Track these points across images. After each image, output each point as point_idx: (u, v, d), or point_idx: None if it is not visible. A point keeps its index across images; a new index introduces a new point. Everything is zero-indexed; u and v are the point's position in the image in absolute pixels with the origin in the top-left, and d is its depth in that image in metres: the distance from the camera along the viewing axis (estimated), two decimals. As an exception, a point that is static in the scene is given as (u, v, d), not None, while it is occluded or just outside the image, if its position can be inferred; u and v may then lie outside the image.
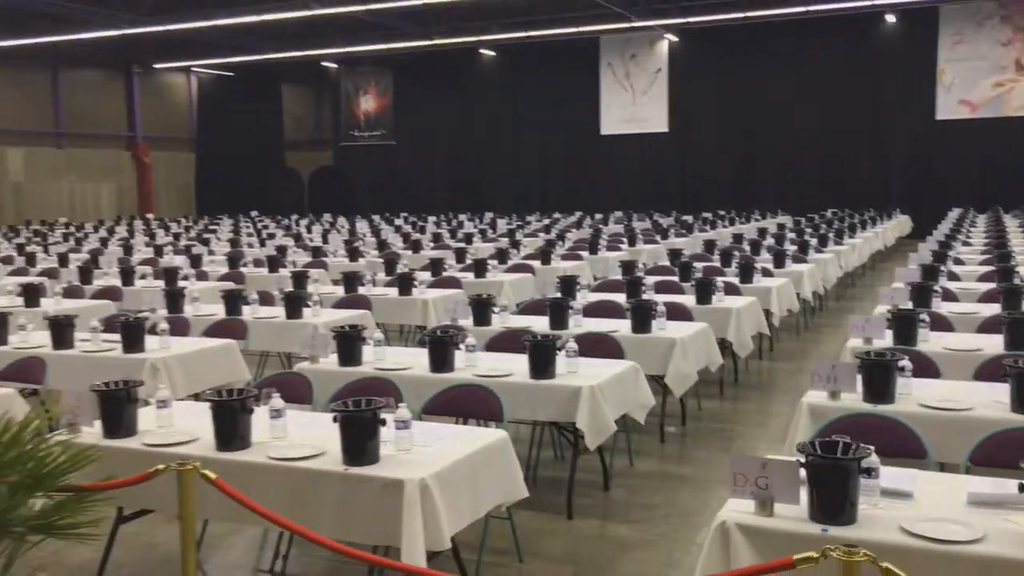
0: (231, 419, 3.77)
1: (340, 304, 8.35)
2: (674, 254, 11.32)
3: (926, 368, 4.88)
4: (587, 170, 27.19)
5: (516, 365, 5.20)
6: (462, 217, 22.73)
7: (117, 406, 3.99)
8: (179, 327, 6.90)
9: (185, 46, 25.83)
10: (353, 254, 13.01)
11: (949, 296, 7.39)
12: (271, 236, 17.96)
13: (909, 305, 6.70)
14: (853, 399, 4.27)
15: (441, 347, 5.22)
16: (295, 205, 30.32)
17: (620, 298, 7.70)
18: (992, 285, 7.94)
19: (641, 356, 5.82)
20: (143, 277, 10.66)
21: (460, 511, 3.62)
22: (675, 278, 9.21)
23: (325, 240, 16.45)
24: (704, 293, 7.80)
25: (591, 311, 7.18)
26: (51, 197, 27.44)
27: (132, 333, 6.09)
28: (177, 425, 4.12)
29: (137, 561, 4.63)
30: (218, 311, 7.77)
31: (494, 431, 4.11)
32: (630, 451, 6.06)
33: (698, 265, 9.85)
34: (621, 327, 6.50)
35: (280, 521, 3.23)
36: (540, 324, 6.56)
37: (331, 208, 27.92)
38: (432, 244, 15.29)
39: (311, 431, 3.97)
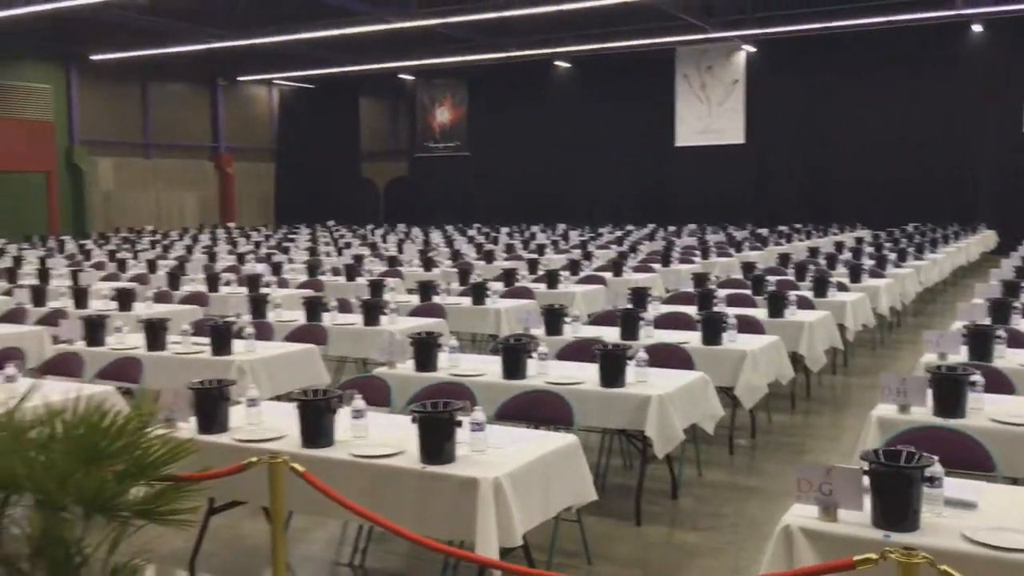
0: (317, 418, 3.99)
1: (415, 312, 8.57)
2: (747, 267, 11.29)
3: (1001, 384, 4.85)
4: (661, 182, 27.03)
5: (587, 374, 5.30)
6: (535, 228, 22.88)
7: (211, 403, 4.26)
8: (263, 332, 7.18)
9: (267, 59, 26.58)
10: (428, 264, 13.26)
11: (1030, 313, 7.25)
12: (347, 245, 18.30)
13: (987, 321, 6.63)
14: (923, 413, 4.29)
15: (514, 354, 5.38)
16: (371, 215, 30.87)
17: (692, 310, 7.76)
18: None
19: (711, 368, 5.89)
20: (227, 284, 11.07)
21: (531, 510, 3.76)
22: (748, 291, 9.20)
23: (400, 250, 16.77)
24: (776, 306, 7.80)
25: (662, 323, 7.22)
26: (139, 205, 28.49)
27: (221, 336, 6.40)
28: (265, 423, 4.36)
29: (226, 552, 4.87)
30: (299, 317, 8.07)
31: (565, 435, 4.24)
32: (699, 461, 6.11)
33: (771, 278, 9.83)
34: (692, 339, 6.55)
35: (364, 513, 3.42)
36: (611, 335, 6.64)
37: (405, 218, 28.25)
38: (505, 255, 15.45)
39: (390, 431, 4.15)
